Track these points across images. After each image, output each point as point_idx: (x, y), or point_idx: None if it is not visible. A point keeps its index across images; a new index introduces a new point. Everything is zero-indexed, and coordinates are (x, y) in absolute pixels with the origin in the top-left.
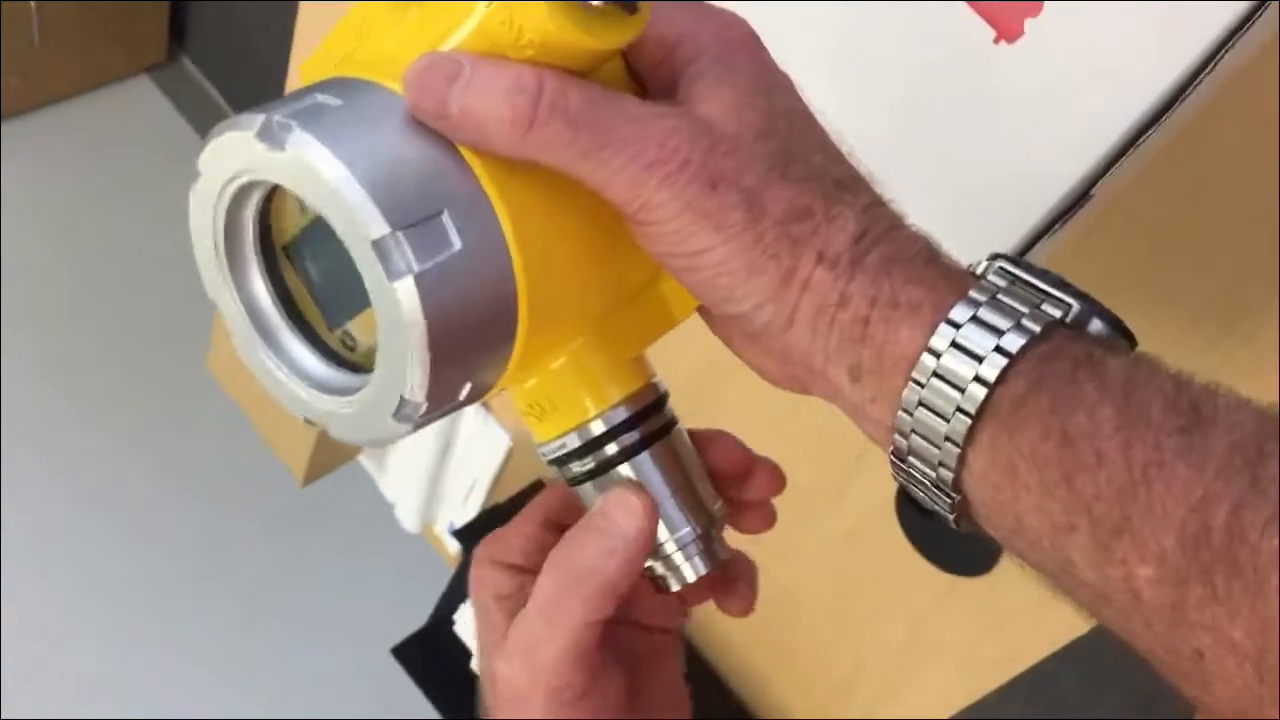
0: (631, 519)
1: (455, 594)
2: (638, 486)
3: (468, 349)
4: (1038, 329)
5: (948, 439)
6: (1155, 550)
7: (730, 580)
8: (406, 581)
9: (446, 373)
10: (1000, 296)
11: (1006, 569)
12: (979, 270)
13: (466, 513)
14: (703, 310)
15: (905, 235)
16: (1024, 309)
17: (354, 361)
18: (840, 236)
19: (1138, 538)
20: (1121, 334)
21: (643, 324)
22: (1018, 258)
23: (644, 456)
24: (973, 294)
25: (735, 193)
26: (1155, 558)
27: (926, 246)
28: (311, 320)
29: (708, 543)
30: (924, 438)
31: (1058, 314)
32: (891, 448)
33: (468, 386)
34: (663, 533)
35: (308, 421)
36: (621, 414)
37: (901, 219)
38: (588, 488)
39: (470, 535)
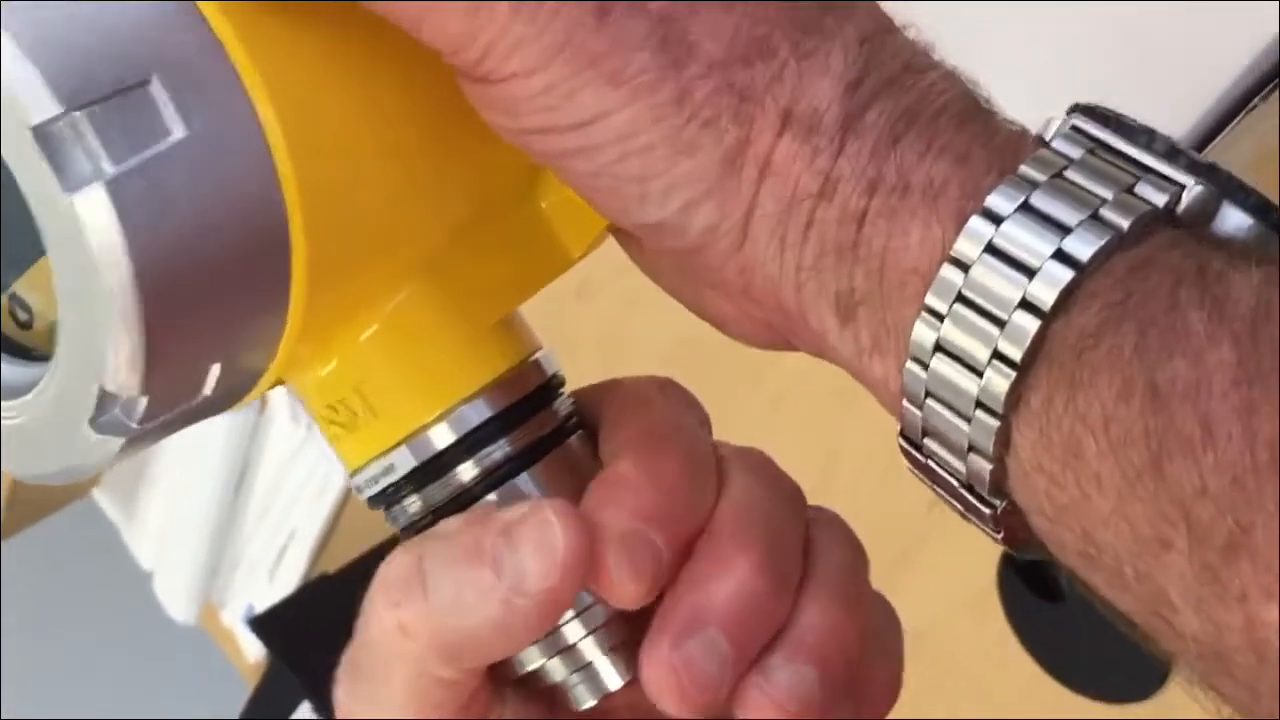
0: (544, 547)
1: (261, 717)
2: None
3: (205, 302)
4: (1125, 224)
5: (980, 404)
6: None
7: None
8: (173, 698)
9: (174, 343)
10: (1070, 174)
11: (1182, 687)
12: (1047, 133)
13: (275, 590)
14: (617, 230)
15: (928, 81)
16: (1105, 192)
17: (31, 346)
18: (821, 84)
19: (1263, 560)
20: (1273, 229)
21: (512, 264)
22: (1108, 111)
23: (521, 482)
24: (1025, 169)
25: (641, 20)
26: None
27: (962, 97)
28: None
29: (636, 622)
30: (945, 404)
31: (1161, 200)
32: (900, 426)
33: (213, 371)
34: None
35: None
36: (481, 412)
37: (924, 53)
38: None
39: (276, 628)
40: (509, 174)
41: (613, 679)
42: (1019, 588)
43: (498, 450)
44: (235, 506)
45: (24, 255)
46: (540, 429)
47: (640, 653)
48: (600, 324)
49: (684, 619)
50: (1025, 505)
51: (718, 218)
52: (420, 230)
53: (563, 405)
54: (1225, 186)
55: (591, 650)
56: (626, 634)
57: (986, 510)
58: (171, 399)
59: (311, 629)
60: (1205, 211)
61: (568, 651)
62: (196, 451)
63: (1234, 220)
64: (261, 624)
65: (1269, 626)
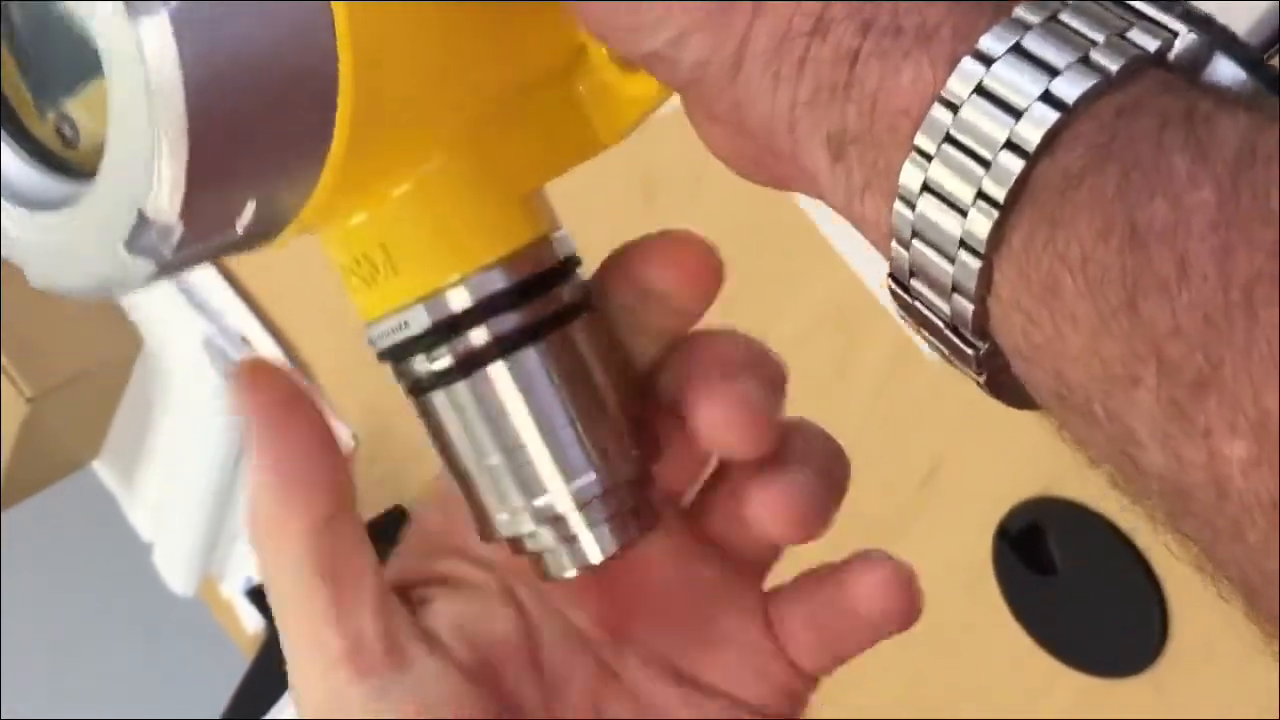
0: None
1: (259, 689)
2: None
3: (251, 141)
4: (1114, 67)
5: (963, 244)
6: (1255, 416)
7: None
8: (171, 670)
9: (215, 177)
10: (1064, 17)
11: (1175, 662)
12: None
13: None
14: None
15: None
16: (1097, 35)
17: (74, 162)
18: None
19: (1229, 396)
20: (1263, 82)
21: (545, 141)
22: None
23: (529, 355)
24: (1020, 12)
25: None
26: (1254, 427)
27: None
28: (10, 97)
29: (625, 501)
30: (930, 244)
31: (1152, 45)
32: (889, 267)
33: (250, 207)
34: (551, 479)
35: None
36: (497, 280)
37: None
38: (440, 400)
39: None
40: (551, 52)
41: (595, 554)
42: (1013, 561)
43: (509, 320)
44: (235, 478)
45: (78, 76)
46: (553, 304)
47: (688, 403)
48: None
49: (720, 369)
50: (1005, 346)
51: (709, 51)
52: (461, 96)
53: (577, 285)
54: (1219, 37)
55: (578, 524)
56: (611, 511)
57: (970, 352)
58: (206, 230)
59: None
60: (1197, 60)
61: (555, 522)
62: (196, 423)
63: (1226, 72)
64: (260, 595)
65: (1230, 461)
